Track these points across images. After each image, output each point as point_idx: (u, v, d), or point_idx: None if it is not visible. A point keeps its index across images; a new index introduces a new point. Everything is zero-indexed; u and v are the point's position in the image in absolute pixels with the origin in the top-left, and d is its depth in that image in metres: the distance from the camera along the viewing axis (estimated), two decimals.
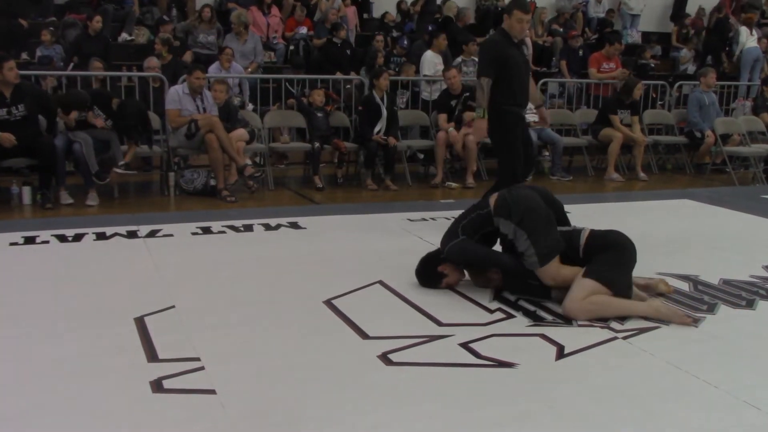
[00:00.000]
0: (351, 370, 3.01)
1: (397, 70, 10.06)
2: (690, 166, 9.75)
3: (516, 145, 5.35)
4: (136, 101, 7.47)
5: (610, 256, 3.69)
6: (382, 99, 7.76)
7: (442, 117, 8.14)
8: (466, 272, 4.11)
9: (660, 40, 13.63)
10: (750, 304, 3.94)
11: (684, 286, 4.22)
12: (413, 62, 9.83)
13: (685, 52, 12.94)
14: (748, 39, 12.07)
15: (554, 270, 3.71)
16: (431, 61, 9.48)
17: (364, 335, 3.38)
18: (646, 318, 3.61)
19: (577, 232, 3.86)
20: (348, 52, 10.14)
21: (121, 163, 6.73)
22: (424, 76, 9.32)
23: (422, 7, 11.93)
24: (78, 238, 5.10)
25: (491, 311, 3.72)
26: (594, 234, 3.84)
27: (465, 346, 3.27)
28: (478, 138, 6.02)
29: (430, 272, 4.08)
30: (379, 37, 10.36)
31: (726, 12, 13.45)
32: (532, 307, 3.76)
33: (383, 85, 7.77)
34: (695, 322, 3.60)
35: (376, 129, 7.72)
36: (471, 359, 3.14)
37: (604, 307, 3.60)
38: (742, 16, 13.12)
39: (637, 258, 3.81)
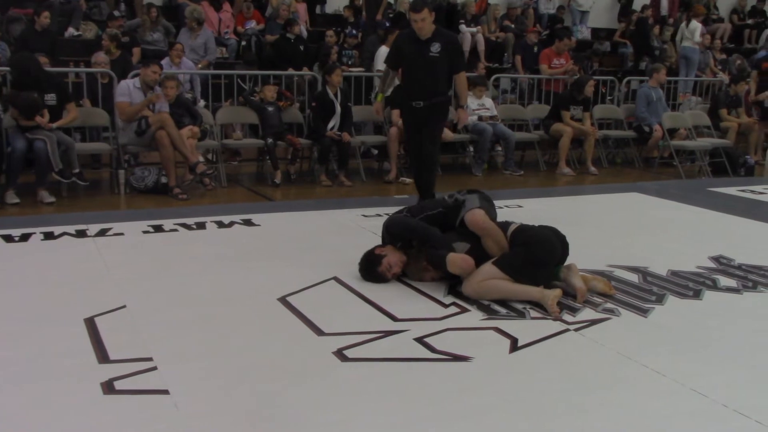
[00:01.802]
0: (306, 366, 3.00)
1: (350, 63, 10.04)
2: (639, 160, 9.94)
3: (406, 129, 6.14)
4: (25, 53, 7.16)
5: (522, 251, 3.83)
6: (335, 95, 7.74)
7: (396, 112, 8.12)
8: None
9: (609, 36, 13.85)
10: (697, 295, 4.04)
11: (633, 277, 4.31)
12: (366, 57, 9.81)
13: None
14: (683, 37, 12.32)
15: (483, 216, 3.95)
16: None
17: (320, 332, 3.37)
18: (539, 302, 3.71)
19: (507, 224, 4.04)
20: (301, 47, 10.09)
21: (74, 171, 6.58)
22: (378, 71, 9.30)
23: (383, 10, 11.90)
24: (25, 237, 4.98)
25: (446, 306, 3.75)
26: (521, 227, 4.00)
27: (420, 340, 3.28)
28: (378, 117, 6.51)
29: (369, 258, 4.13)
30: (331, 32, 10.33)
31: (650, 11, 13.72)
32: (485, 301, 3.80)
33: (336, 81, 7.74)
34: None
35: (330, 125, 7.70)
36: (426, 354, 3.16)
37: (492, 289, 3.78)
38: (688, 12, 13.40)
39: (588, 251, 3.86)
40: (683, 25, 12.48)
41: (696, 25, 12.31)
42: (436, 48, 5.58)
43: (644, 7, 13.81)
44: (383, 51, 9.40)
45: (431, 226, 4.08)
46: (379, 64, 9.29)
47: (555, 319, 3.57)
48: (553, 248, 3.91)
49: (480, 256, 3.91)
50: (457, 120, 6.14)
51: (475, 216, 3.95)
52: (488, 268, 3.81)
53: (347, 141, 7.69)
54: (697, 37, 12.26)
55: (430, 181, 6.02)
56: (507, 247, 3.90)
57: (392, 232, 4.19)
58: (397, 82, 6.57)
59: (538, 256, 3.83)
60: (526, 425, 2.58)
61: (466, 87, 6.09)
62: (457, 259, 3.86)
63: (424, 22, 5.53)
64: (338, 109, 7.72)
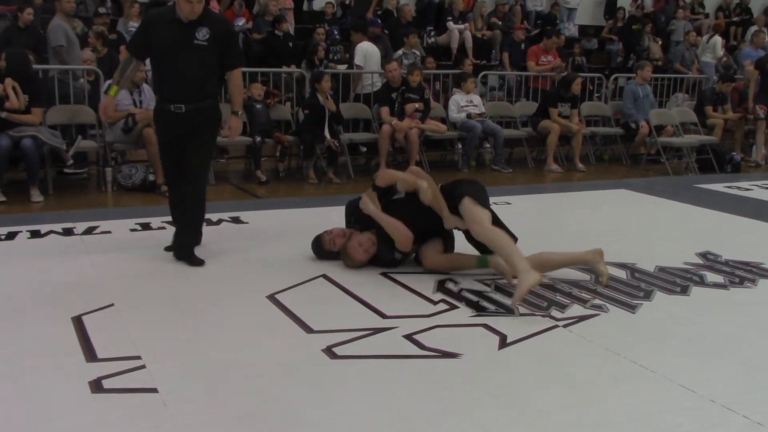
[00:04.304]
0: (296, 364, 3.00)
1: (336, 59, 10.01)
2: (626, 156, 9.98)
3: (159, 144, 4.66)
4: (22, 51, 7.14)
5: (457, 185, 4.21)
6: (326, 100, 7.70)
7: (384, 110, 8.16)
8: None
9: (597, 33, 13.89)
10: (684, 291, 4.06)
11: (621, 273, 4.32)
12: (350, 53, 9.77)
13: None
14: (703, 51, 12.41)
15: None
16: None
17: (309, 329, 3.37)
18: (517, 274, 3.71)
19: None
20: (290, 44, 10.06)
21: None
22: (357, 66, 9.20)
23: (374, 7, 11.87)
24: (11, 236, 4.95)
25: (435, 302, 3.75)
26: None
27: (409, 337, 3.29)
28: (104, 118, 5.09)
29: (316, 237, 4.47)
30: (321, 30, 10.30)
31: (635, 8, 13.82)
32: (474, 298, 3.81)
33: (325, 87, 7.71)
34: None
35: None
36: (415, 351, 3.16)
37: (498, 237, 3.87)
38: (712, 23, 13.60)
39: (576, 247, 3.90)
40: (704, 40, 12.51)
41: (717, 40, 12.34)
42: (203, 34, 4.25)
43: (636, 8, 13.87)
44: (364, 47, 9.27)
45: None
46: (359, 59, 9.19)
47: (543, 316, 3.58)
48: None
49: (419, 224, 4.15)
50: (228, 131, 4.59)
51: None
52: (465, 205, 3.93)
53: (335, 146, 7.66)
54: (719, 52, 12.28)
55: (196, 225, 4.57)
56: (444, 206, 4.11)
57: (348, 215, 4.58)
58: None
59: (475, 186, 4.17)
60: (515, 421, 2.58)
61: (241, 89, 4.70)
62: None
63: (201, 4, 4.23)
64: (328, 114, 7.70)
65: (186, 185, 4.42)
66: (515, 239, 3.95)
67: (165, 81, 4.39)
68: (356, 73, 9.12)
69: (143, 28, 4.44)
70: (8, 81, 6.44)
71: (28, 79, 6.65)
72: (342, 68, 9.52)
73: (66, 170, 6.67)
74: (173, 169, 4.49)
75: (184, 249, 4.42)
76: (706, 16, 14.82)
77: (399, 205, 4.23)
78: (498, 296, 3.85)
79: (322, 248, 4.42)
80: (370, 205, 4.23)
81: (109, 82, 6.96)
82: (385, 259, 4.25)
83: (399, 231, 4.12)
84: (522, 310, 3.66)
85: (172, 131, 4.38)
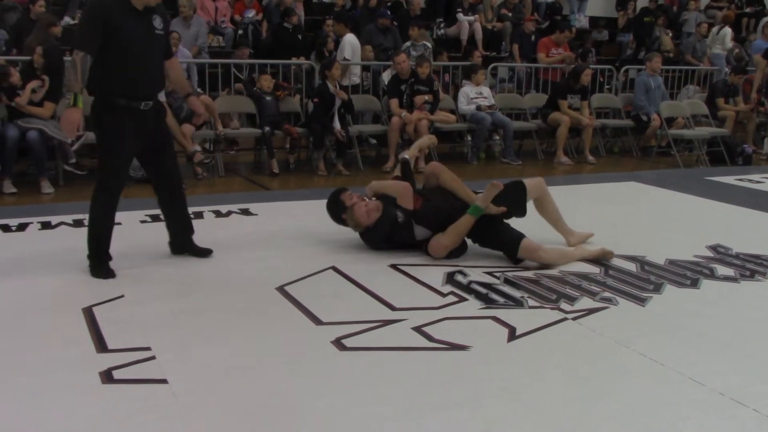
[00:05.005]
0: (305, 356, 3.01)
1: None
2: (636, 149, 9.93)
3: (118, 149, 3.97)
4: (55, 44, 7.14)
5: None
6: (336, 88, 7.72)
7: (394, 102, 8.15)
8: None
9: (607, 25, 13.81)
10: (695, 284, 4.05)
11: (631, 266, 4.31)
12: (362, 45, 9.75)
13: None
14: (713, 43, 12.29)
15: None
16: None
17: (318, 321, 3.38)
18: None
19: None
20: (299, 37, 10.05)
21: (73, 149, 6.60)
22: (344, 59, 9.15)
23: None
24: (22, 227, 4.98)
25: (444, 295, 3.75)
26: None
27: (418, 329, 3.29)
28: (71, 135, 4.14)
29: (337, 189, 4.71)
30: (330, 21, 10.27)
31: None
32: (483, 290, 3.81)
33: (336, 75, 7.71)
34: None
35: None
36: (424, 343, 3.16)
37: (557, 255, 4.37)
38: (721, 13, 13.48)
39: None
40: (714, 31, 12.41)
41: (726, 31, 12.24)
42: (158, 23, 3.90)
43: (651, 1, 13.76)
44: (350, 39, 9.22)
45: None
46: (348, 52, 9.12)
47: (552, 309, 3.58)
48: None
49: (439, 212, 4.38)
50: (196, 112, 4.38)
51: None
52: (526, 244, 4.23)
53: (343, 138, 7.67)
54: (728, 44, 12.18)
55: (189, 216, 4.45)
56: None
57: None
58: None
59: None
60: (523, 414, 2.58)
61: (184, 74, 4.28)
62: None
63: None
64: (338, 102, 7.70)
65: (173, 182, 4.30)
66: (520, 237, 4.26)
67: (130, 76, 3.83)
68: (363, 64, 9.09)
69: (97, 21, 3.76)
70: (34, 83, 6.45)
71: (58, 74, 6.69)
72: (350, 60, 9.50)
73: (66, 167, 6.68)
74: (124, 172, 4.19)
75: (190, 243, 4.42)
76: (720, 9, 14.72)
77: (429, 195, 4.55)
78: (507, 288, 3.85)
79: (338, 198, 4.60)
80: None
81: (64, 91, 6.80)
82: (390, 219, 4.38)
83: (399, 185, 4.52)
84: (531, 302, 3.66)
85: (140, 131, 3.94)
